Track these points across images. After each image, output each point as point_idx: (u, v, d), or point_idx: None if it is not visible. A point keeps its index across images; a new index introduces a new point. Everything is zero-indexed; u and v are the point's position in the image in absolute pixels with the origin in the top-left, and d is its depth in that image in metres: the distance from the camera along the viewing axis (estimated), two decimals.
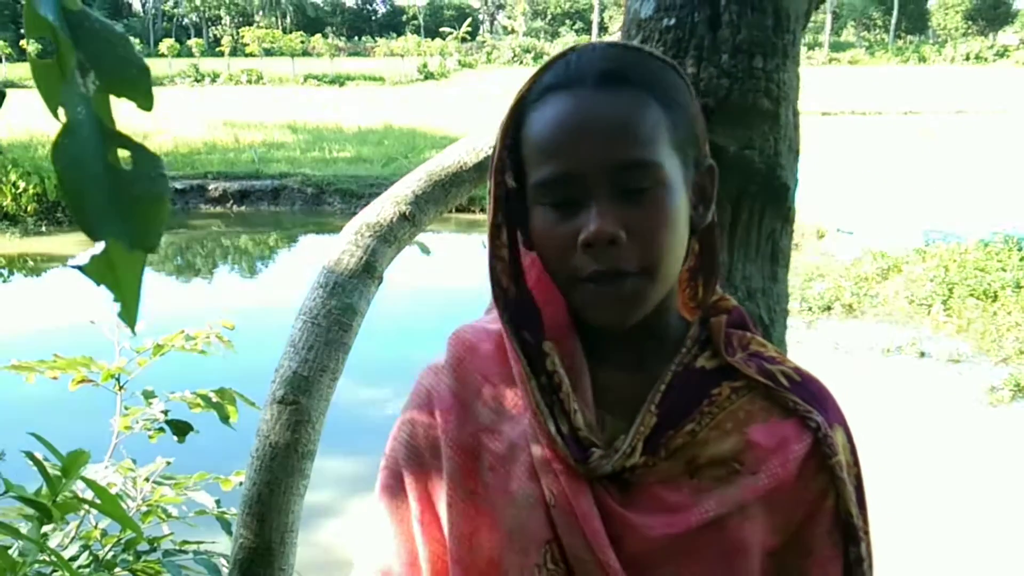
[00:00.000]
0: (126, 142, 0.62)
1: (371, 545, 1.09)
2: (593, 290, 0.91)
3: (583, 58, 0.95)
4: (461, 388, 1.04)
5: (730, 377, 0.99)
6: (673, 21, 1.25)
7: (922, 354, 8.13)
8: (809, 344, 8.32)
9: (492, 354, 1.04)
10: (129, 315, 0.66)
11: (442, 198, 2.14)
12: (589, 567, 0.93)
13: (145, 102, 0.63)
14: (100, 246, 0.61)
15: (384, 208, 2.09)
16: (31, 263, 13.61)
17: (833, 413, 1.00)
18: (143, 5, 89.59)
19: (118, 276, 0.64)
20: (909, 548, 4.90)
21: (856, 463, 1.02)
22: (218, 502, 2.56)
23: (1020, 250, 10.30)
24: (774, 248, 1.33)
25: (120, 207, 0.61)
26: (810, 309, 9.44)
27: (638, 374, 1.00)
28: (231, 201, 17.64)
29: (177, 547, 2.36)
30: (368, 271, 2.04)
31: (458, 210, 15.29)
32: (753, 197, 1.28)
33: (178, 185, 17.61)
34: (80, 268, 0.63)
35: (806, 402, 0.98)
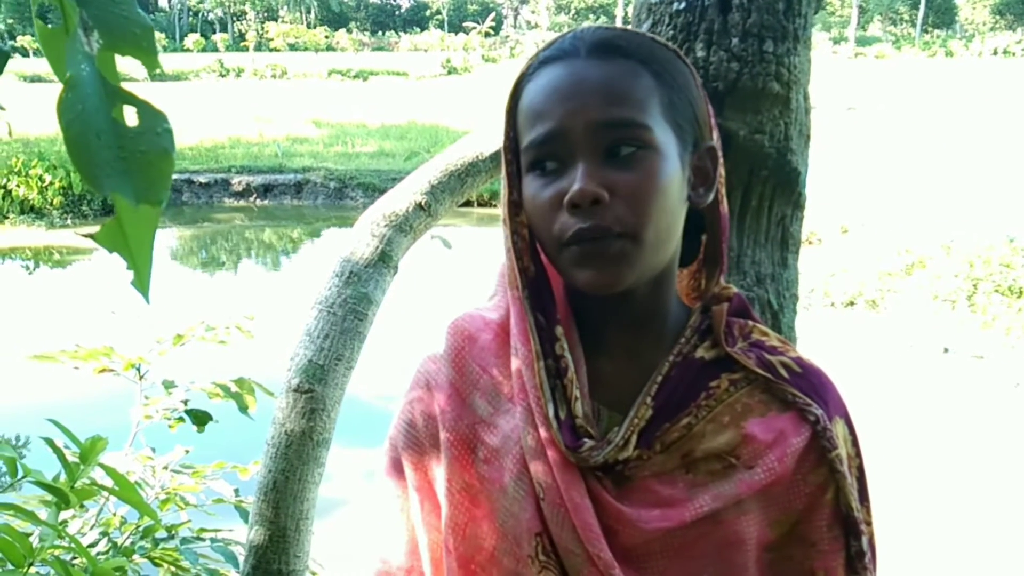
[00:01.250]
0: (131, 98, 0.62)
1: (373, 534, 1.09)
2: (577, 251, 0.91)
3: (580, 34, 0.96)
4: (459, 379, 1.03)
5: (729, 369, 0.98)
6: (683, 5, 1.25)
7: (946, 350, 8.07)
8: (832, 339, 8.26)
9: (490, 345, 1.04)
10: (142, 282, 0.67)
11: (458, 188, 2.14)
12: (578, 560, 0.92)
13: (149, 60, 0.64)
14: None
15: (400, 198, 2.10)
16: (56, 256, 13.73)
17: (834, 405, 0.99)
18: (169, 1, 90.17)
19: (129, 243, 0.65)
20: (929, 542, 4.87)
21: (858, 455, 1.01)
22: (236, 491, 2.58)
23: None
24: (784, 234, 1.32)
25: (126, 162, 0.61)
26: (833, 304, 9.38)
27: (635, 365, 0.99)
28: (254, 195, 17.74)
29: (195, 535, 2.38)
30: (384, 261, 2.05)
31: (479, 204, 15.31)
32: (763, 182, 1.27)
33: (202, 179, 17.74)
34: (92, 236, 0.64)
35: (806, 394, 0.97)
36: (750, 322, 1.03)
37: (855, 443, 1.01)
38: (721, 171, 1.02)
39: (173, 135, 0.63)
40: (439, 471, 1.01)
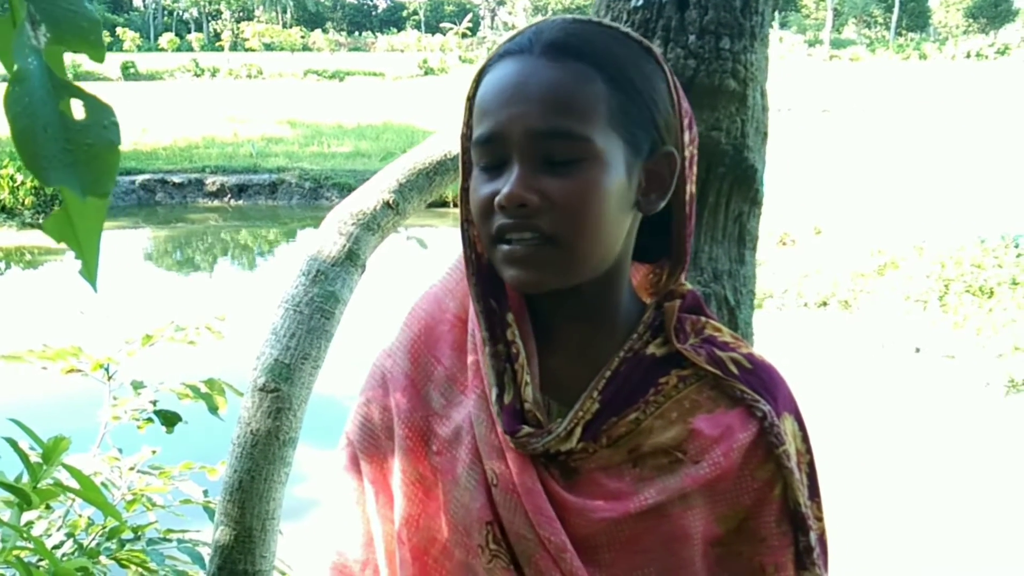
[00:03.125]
0: (78, 92, 0.63)
1: (329, 528, 1.09)
2: (505, 251, 0.91)
3: (543, 28, 0.95)
4: (415, 371, 1.04)
5: (679, 365, 0.98)
6: (641, 2, 1.25)
7: (917, 350, 8.13)
8: (805, 339, 8.31)
9: (447, 336, 1.04)
10: (90, 272, 0.67)
11: (427, 186, 2.14)
12: (530, 545, 0.92)
13: (96, 53, 0.64)
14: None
15: (368, 196, 2.09)
16: (28, 256, 13.61)
17: (783, 401, 0.99)
18: (144, 0, 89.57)
19: (77, 233, 0.66)
20: (899, 539, 4.91)
21: (808, 451, 1.01)
22: (206, 492, 2.56)
23: (1017, 247, 10.29)
24: (741, 230, 1.33)
25: (72, 155, 0.62)
26: (806, 304, 9.44)
27: (585, 360, 0.99)
28: (229, 195, 17.64)
29: (162, 536, 2.37)
30: (351, 259, 2.04)
31: (455, 205, 15.28)
32: (720, 179, 1.27)
33: (176, 179, 17.62)
34: (40, 227, 0.65)
35: (755, 390, 0.97)
36: (703, 318, 1.03)
37: (805, 439, 1.01)
38: (693, 172, 1.01)
39: (119, 128, 0.63)
40: (394, 464, 1.02)
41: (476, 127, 0.94)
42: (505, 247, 0.91)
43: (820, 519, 1.00)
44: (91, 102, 0.63)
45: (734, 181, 1.29)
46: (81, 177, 0.62)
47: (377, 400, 1.06)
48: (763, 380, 0.99)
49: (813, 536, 0.98)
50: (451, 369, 1.02)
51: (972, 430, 6.47)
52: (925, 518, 5.18)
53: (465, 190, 0.99)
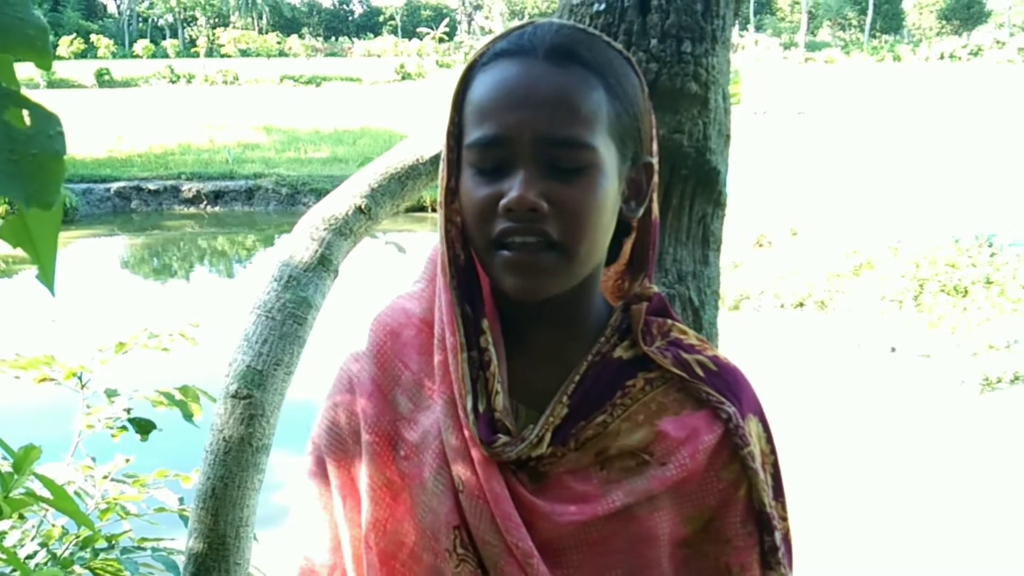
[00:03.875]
0: (23, 101, 0.62)
1: (297, 533, 1.09)
2: (507, 257, 0.91)
3: (539, 30, 0.94)
4: (382, 376, 1.03)
5: (646, 368, 0.98)
6: (603, 6, 1.26)
7: (893, 349, 8.19)
8: (782, 339, 8.36)
9: (413, 340, 1.04)
10: (47, 276, 0.67)
11: (399, 191, 2.14)
12: (496, 551, 0.92)
13: (42, 61, 0.64)
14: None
15: (340, 201, 2.09)
16: (1, 265, 13.49)
17: (748, 403, 1.00)
18: (118, 6, 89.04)
19: (33, 238, 0.66)
20: (873, 538, 4.93)
21: (773, 452, 1.02)
22: (181, 500, 2.54)
23: (990, 247, 10.39)
24: (705, 232, 1.33)
25: (16, 165, 0.61)
26: (783, 305, 9.48)
27: (554, 364, 0.99)
28: (205, 202, 17.56)
29: (136, 544, 2.35)
30: (323, 264, 2.04)
31: (434, 210, 15.25)
32: (684, 181, 1.28)
33: (151, 186, 17.52)
34: None
35: (720, 392, 0.98)
36: (669, 320, 1.04)
37: (769, 440, 1.02)
38: (655, 182, 1.02)
39: (65, 138, 0.63)
40: (361, 469, 1.01)
41: (474, 127, 0.93)
42: (507, 253, 0.91)
43: (785, 519, 1.01)
44: (37, 111, 0.62)
45: (697, 183, 1.30)
46: (25, 187, 0.61)
47: (344, 405, 1.06)
48: (728, 382, 1.00)
49: (778, 536, 0.99)
50: (418, 374, 1.02)
51: (948, 428, 6.52)
52: (901, 516, 5.21)
53: (452, 190, 0.97)
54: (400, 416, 1.01)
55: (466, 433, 0.94)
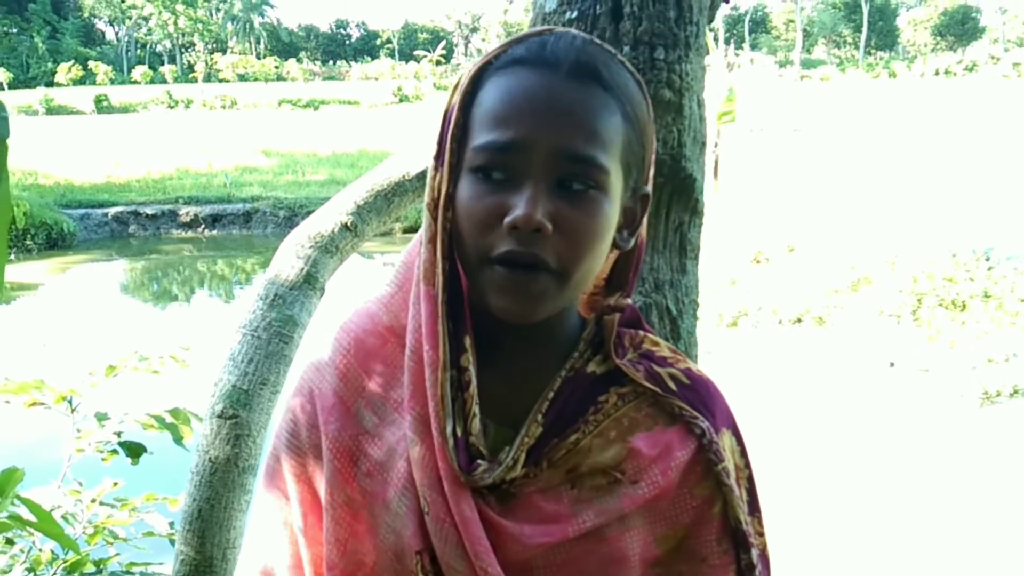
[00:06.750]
0: None
1: (255, 544, 1.05)
2: (503, 274, 0.87)
3: (561, 43, 0.90)
4: (344, 388, 0.99)
5: (619, 382, 0.95)
6: (575, 14, 1.25)
7: (892, 364, 8.17)
8: (780, 355, 8.34)
9: (378, 351, 0.99)
10: None
11: (385, 208, 2.12)
12: None
13: None
14: None
15: (326, 219, 2.08)
16: None
17: (721, 417, 0.97)
18: (116, 33, 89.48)
19: None
20: (878, 551, 4.90)
21: (747, 467, 0.98)
22: (172, 524, 2.52)
23: (988, 260, 10.39)
24: (682, 240, 1.32)
25: None
26: (781, 321, 9.47)
27: (527, 380, 0.96)
28: (203, 226, 17.59)
29: (124, 569, 2.33)
30: (310, 282, 2.02)
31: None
32: (659, 188, 1.27)
33: (149, 211, 17.56)
34: None
35: (693, 406, 0.95)
36: (641, 332, 1.01)
37: (744, 454, 0.99)
38: (648, 213, 0.99)
39: (8, 123, 0.62)
40: (321, 483, 0.97)
41: (487, 130, 0.88)
42: (501, 270, 0.87)
43: (761, 534, 0.98)
44: None
45: (673, 191, 1.28)
46: None
47: (304, 416, 1.01)
48: (701, 395, 0.97)
49: (755, 553, 0.96)
50: (384, 386, 0.98)
51: (947, 442, 6.49)
52: (902, 531, 5.18)
53: (449, 196, 0.92)
54: (363, 431, 0.97)
55: (440, 460, 0.90)
